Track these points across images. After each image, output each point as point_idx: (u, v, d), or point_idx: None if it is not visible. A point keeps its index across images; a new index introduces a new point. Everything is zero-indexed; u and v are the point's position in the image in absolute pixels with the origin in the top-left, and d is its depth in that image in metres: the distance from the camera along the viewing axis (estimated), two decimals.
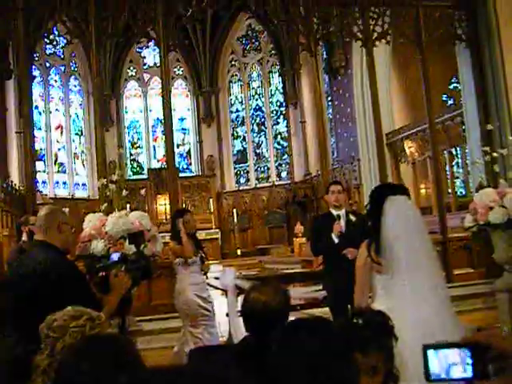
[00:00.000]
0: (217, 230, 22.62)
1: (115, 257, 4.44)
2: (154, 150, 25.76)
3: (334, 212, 6.73)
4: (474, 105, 11.55)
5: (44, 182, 21.46)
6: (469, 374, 1.21)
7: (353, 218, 6.79)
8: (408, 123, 16.72)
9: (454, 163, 16.16)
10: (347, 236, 6.56)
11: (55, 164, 22.55)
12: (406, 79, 17.41)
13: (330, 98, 20.62)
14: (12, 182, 16.79)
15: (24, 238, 6.94)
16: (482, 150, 9.07)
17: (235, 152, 25.63)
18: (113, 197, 6.46)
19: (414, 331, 3.06)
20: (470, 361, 1.21)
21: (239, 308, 5.92)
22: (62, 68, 23.31)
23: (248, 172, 25.25)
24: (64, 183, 22.68)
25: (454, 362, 1.22)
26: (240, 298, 6.81)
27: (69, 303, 2.69)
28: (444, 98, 18.65)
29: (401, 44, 12.23)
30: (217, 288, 8.18)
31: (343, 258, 6.35)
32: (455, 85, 17.45)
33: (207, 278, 7.25)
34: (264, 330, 2.61)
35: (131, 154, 25.59)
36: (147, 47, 24.34)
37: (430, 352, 1.24)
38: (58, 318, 2.54)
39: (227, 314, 7.57)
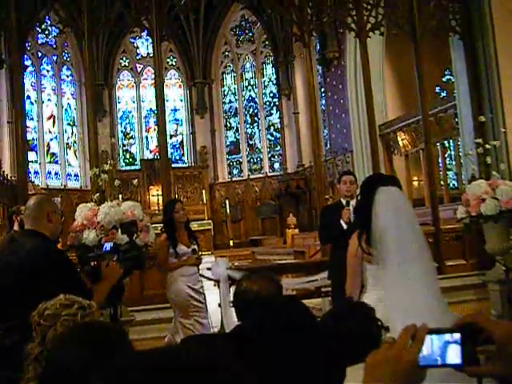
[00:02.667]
0: (209, 221, 22.62)
1: (108, 246, 4.44)
2: (147, 140, 25.72)
3: (344, 201, 6.76)
4: (467, 97, 11.54)
5: (36, 173, 21.42)
6: (458, 360, 1.20)
7: None
8: (401, 115, 16.72)
9: (446, 155, 16.19)
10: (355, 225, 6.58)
11: (47, 154, 22.48)
12: (400, 71, 17.40)
13: (323, 90, 20.61)
14: (4, 172, 16.75)
15: (15, 227, 6.92)
16: (474, 141, 9.08)
17: (228, 143, 25.63)
18: (105, 187, 6.44)
19: (405, 321, 3.06)
20: (459, 346, 1.20)
21: (231, 299, 5.92)
22: (55, 58, 23.22)
23: (241, 163, 25.24)
24: (56, 174, 22.62)
25: (444, 348, 1.21)
26: (232, 289, 6.82)
27: (58, 292, 2.68)
28: (437, 90, 18.66)
29: (394, 35, 12.18)
30: (209, 279, 8.18)
31: None
32: (448, 77, 17.47)
33: (199, 269, 7.24)
34: (254, 319, 2.61)
35: (124, 145, 25.54)
36: (140, 37, 24.26)
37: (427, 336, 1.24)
38: (49, 306, 2.53)
39: (219, 305, 7.59)
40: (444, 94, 18.06)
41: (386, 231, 3.44)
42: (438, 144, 15.27)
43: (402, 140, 16.49)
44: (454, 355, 1.20)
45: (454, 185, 16.27)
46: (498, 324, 1.24)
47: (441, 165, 15.75)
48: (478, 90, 11.14)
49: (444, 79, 18.54)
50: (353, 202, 6.78)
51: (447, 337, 1.21)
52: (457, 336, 1.21)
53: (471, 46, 11.22)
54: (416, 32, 11.03)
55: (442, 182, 15.53)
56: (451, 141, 15.57)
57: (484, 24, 10.95)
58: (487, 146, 8.18)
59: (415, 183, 17.00)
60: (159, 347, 0.74)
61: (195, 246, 7.08)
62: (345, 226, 6.60)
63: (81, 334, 1.84)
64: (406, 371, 1.17)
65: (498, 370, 1.23)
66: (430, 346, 1.21)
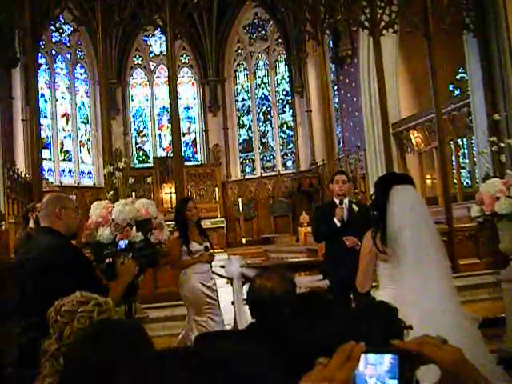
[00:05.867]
0: (222, 219, 22.64)
1: (122, 244, 4.46)
2: (160, 138, 25.76)
3: (337, 201, 6.81)
4: (481, 95, 11.50)
5: (50, 170, 21.50)
6: (394, 382, 1.18)
7: (355, 207, 6.88)
8: (414, 113, 16.65)
9: (460, 154, 16.11)
10: (349, 223, 6.65)
11: (61, 152, 22.58)
12: (413, 69, 17.33)
13: (336, 88, 20.56)
14: (18, 169, 16.85)
15: (31, 224, 6.98)
16: (488, 140, 9.03)
17: (241, 141, 25.61)
18: (119, 185, 6.46)
19: (418, 320, 3.06)
20: (396, 368, 1.18)
21: (245, 296, 5.93)
22: (68, 56, 23.29)
23: (253, 161, 25.22)
24: (70, 171, 22.71)
25: (381, 369, 1.19)
26: (245, 287, 6.83)
27: (74, 289, 2.70)
28: (451, 88, 18.57)
29: (408, 33, 12.15)
30: (222, 276, 8.20)
31: (344, 245, 6.44)
32: (462, 75, 17.37)
33: (211, 266, 7.26)
34: (269, 316, 2.62)
35: (137, 143, 25.60)
36: (153, 35, 24.28)
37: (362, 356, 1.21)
38: (65, 303, 2.56)
39: (233, 303, 7.60)
40: (458, 92, 17.97)
41: (401, 230, 3.44)
42: (451, 142, 15.21)
43: (415, 138, 16.43)
44: (391, 376, 1.17)
45: (467, 183, 16.19)
46: (443, 350, 1.22)
47: (454, 163, 15.69)
48: (492, 88, 11.10)
49: (458, 77, 18.43)
50: (346, 201, 6.84)
51: (384, 357, 1.19)
52: (391, 357, 1.18)
53: (485, 44, 11.18)
54: (430, 30, 11.00)
55: (455, 181, 15.47)
56: (465, 139, 15.50)
57: (498, 22, 10.90)
58: (501, 144, 8.13)
59: (428, 181, 16.93)
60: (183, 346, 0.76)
61: (207, 244, 7.11)
62: (338, 225, 6.67)
63: (102, 330, 1.86)
64: None
65: None
66: (365, 365, 1.19)
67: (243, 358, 0.73)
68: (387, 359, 1.18)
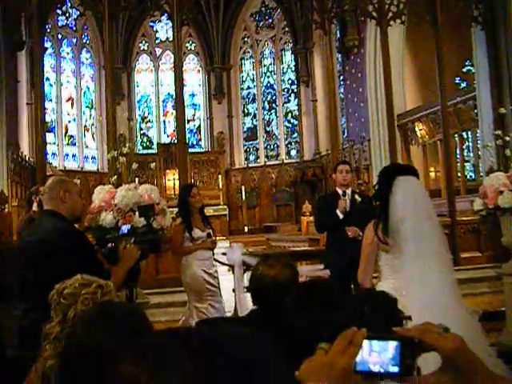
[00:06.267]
0: (225, 207, 22.66)
1: (125, 229, 4.47)
2: (164, 124, 25.76)
3: (340, 191, 6.82)
4: (487, 88, 11.46)
5: (54, 154, 21.54)
6: (396, 368, 1.18)
7: (358, 198, 6.89)
8: (419, 105, 16.61)
9: (464, 147, 16.07)
10: (351, 214, 6.67)
11: (65, 136, 22.59)
12: (420, 61, 17.27)
13: (342, 78, 20.50)
14: (22, 153, 16.87)
15: (34, 208, 6.98)
16: (493, 133, 9.01)
17: (245, 129, 25.59)
18: (122, 170, 6.47)
19: (419, 311, 3.06)
20: (398, 355, 1.17)
21: (246, 284, 5.93)
22: (74, 40, 23.27)
23: (257, 149, 25.21)
24: (74, 156, 22.75)
25: (383, 355, 1.18)
26: (247, 275, 6.85)
27: (76, 272, 2.71)
28: (457, 81, 18.50)
29: (415, 24, 12.10)
30: (224, 264, 8.21)
31: (346, 235, 6.46)
32: (469, 68, 17.31)
33: (213, 253, 7.27)
34: (271, 303, 2.63)
35: (141, 129, 25.59)
36: (160, 21, 24.22)
37: (365, 342, 1.21)
38: (68, 285, 2.57)
39: (234, 290, 7.61)
40: (464, 85, 17.91)
41: (404, 221, 3.44)
42: (456, 135, 15.17)
43: (420, 130, 16.40)
44: (392, 363, 1.17)
45: (471, 176, 16.17)
46: (445, 338, 1.22)
47: (458, 156, 15.66)
48: (499, 82, 11.06)
49: (464, 70, 18.36)
50: (348, 191, 6.85)
51: (387, 344, 1.19)
52: (394, 344, 1.18)
53: (493, 37, 11.12)
54: (437, 21, 10.94)
55: (459, 174, 15.45)
56: (469, 132, 15.46)
57: (507, 14, 10.84)
58: (507, 138, 8.11)
59: (432, 174, 16.91)
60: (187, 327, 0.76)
61: (210, 230, 7.11)
62: (341, 216, 6.68)
63: (105, 312, 1.86)
64: (341, 376, 1.15)
65: (443, 383, 1.22)
66: (369, 352, 1.19)
67: (243, 341, 0.73)
68: (391, 347, 1.18)
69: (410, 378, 1.19)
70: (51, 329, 2.45)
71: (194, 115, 25.79)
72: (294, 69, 24.51)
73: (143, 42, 25.51)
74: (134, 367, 0.67)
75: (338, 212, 6.72)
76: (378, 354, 1.18)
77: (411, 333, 1.21)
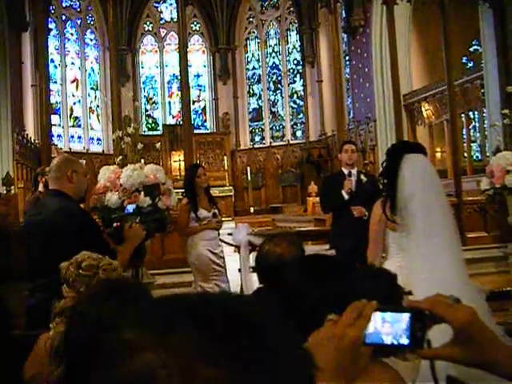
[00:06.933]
0: (230, 188, 22.65)
1: (130, 208, 4.47)
2: (170, 106, 25.69)
3: (346, 171, 6.81)
4: (494, 67, 11.39)
5: (59, 136, 21.54)
6: (406, 340, 1.16)
7: (364, 178, 6.88)
8: (426, 85, 16.51)
9: (470, 127, 16.00)
10: (356, 194, 6.65)
11: (70, 118, 22.57)
12: (426, 40, 17.14)
13: (347, 58, 20.38)
14: (27, 135, 16.87)
15: (40, 188, 7.00)
16: (501, 113, 8.97)
17: (251, 110, 25.50)
18: (127, 150, 6.46)
19: (427, 289, 3.05)
20: (408, 327, 1.16)
21: (251, 264, 5.93)
22: (79, 21, 23.16)
23: (263, 130, 25.15)
24: (79, 137, 22.74)
25: (393, 327, 1.17)
26: (252, 255, 6.85)
27: (82, 250, 2.71)
28: (464, 61, 18.37)
29: (422, 3, 12.00)
30: (229, 244, 8.22)
31: (352, 215, 6.46)
32: (476, 47, 17.18)
33: (219, 234, 7.27)
34: (277, 281, 2.62)
35: (146, 110, 25.54)
36: (164, 1, 24.09)
37: (377, 314, 1.19)
38: (85, 258, 2.57)
39: (239, 270, 7.63)
40: (471, 65, 17.78)
41: (411, 199, 3.41)
42: (462, 115, 15.09)
43: (426, 110, 16.31)
44: (403, 335, 1.16)
45: (477, 157, 16.10)
46: (456, 310, 1.20)
47: (465, 136, 15.59)
48: (506, 61, 10.98)
49: (471, 49, 18.22)
50: (354, 171, 6.84)
51: (397, 316, 1.17)
52: (407, 316, 1.17)
53: (501, 15, 11.03)
54: (444, 0, 10.83)
55: (465, 154, 15.39)
56: (476, 112, 15.38)
57: None
58: None
59: (438, 154, 16.85)
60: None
61: (216, 210, 7.11)
62: (346, 197, 6.67)
63: (108, 286, 1.86)
64: (350, 348, 1.14)
65: (455, 355, 1.21)
66: (381, 324, 1.18)
67: (254, 304, 0.72)
68: (405, 318, 1.16)
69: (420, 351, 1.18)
70: (65, 304, 2.45)
71: (199, 96, 25.70)
72: (299, 49, 24.35)
73: (148, 22, 25.37)
74: (137, 333, 0.65)
75: (343, 193, 6.71)
76: (391, 325, 1.17)
77: (422, 305, 1.20)
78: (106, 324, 1.17)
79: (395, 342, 1.16)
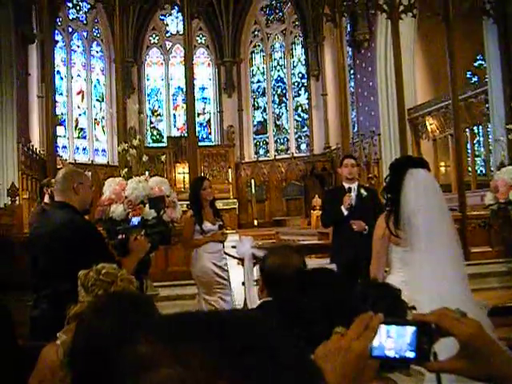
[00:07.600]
0: (234, 200, 22.68)
1: (135, 221, 4.49)
2: (174, 118, 25.77)
3: (346, 185, 6.86)
4: (499, 82, 11.40)
5: (64, 147, 21.60)
6: (412, 354, 1.17)
7: (364, 192, 6.92)
8: (430, 99, 16.53)
9: (475, 141, 16.01)
10: (356, 209, 6.68)
11: (75, 129, 22.65)
12: (431, 55, 17.18)
13: (352, 72, 20.43)
14: (33, 146, 16.94)
15: (46, 199, 7.02)
16: (505, 127, 8.98)
17: (255, 123, 25.56)
18: (132, 162, 6.48)
19: (430, 305, 3.05)
20: (414, 341, 1.17)
21: (255, 277, 5.93)
22: (85, 33, 23.30)
23: (267, 143, 25.19)
24: (84, 149, 22.81)
25: (399, 340, 1.18)
26: (256, 268, 6.85)
27: (87, 263, 2.73)
28: (468, 75, 18.40)
29: (426, 18, 12.04)
30: (233, 257, 8.22)
31: (352, 230, 6.49)
32: (480, 62, 17.21)
33: (224, 246, 7.28)
34: (280, 292, 2.63)
35: (151, 122, 25.62)
36: (170, 14, 24.21)
37: (382, 327, 1.20)
38: (102, 267, 2.61)
39: (243, 283, 7.62)
40: (475, 79, 17.81)
41: (415, 214, 3.42)
42: (467, 130, 15.10)
43: (431, 125, 16.33)
44: (409, 349, 1.17)
45: (481, 171, 16.10)
46: (462, 323, 1.21)
47: (469, 151, 15.60)
48: (511, 76, 10.99)
49: (476, 64, 18.26)
50: (354, 186, 6.88)
51: (404, 329, 1.18)
52: (412, 330, 1.18)
53: (505, 30, 11.06)
54: (449, 14, 10.87)
55: (469, 168, 15.39)
56: (480, 127, 15.39)
57: None
58: None
59: (442, 169, 16.84)
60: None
61: (221, 222, 7.12)
62: (345, 213, 6.70)
63: (115, 300, 1.88)
64: (357, 361, 1.15)
65: (461, 368, 1.21)
66: (386, 337, 1.18)
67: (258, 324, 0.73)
68: (409, 332, 1.18)
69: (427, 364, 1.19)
70: (81, 308, 2.47)
71: (204, 109, 25.78)
72: (304, 62, 24.43)
73: (153, 35, 25.50)
74: (152, 347, 0.66)
75: (342, 208, 6.75)
76: (394, 339, 1.18)
77: (428, 318, 1.21)
78: (118, 337, 1.18)
79: (401, 355, 1.17)
